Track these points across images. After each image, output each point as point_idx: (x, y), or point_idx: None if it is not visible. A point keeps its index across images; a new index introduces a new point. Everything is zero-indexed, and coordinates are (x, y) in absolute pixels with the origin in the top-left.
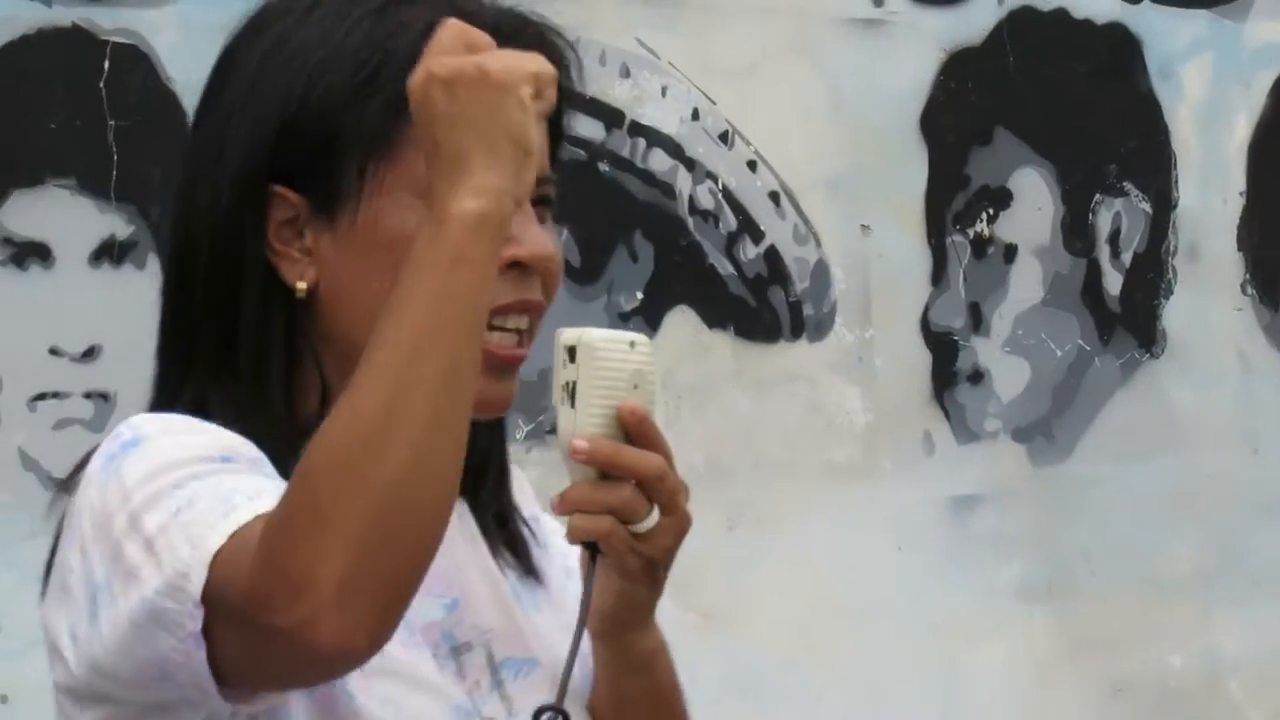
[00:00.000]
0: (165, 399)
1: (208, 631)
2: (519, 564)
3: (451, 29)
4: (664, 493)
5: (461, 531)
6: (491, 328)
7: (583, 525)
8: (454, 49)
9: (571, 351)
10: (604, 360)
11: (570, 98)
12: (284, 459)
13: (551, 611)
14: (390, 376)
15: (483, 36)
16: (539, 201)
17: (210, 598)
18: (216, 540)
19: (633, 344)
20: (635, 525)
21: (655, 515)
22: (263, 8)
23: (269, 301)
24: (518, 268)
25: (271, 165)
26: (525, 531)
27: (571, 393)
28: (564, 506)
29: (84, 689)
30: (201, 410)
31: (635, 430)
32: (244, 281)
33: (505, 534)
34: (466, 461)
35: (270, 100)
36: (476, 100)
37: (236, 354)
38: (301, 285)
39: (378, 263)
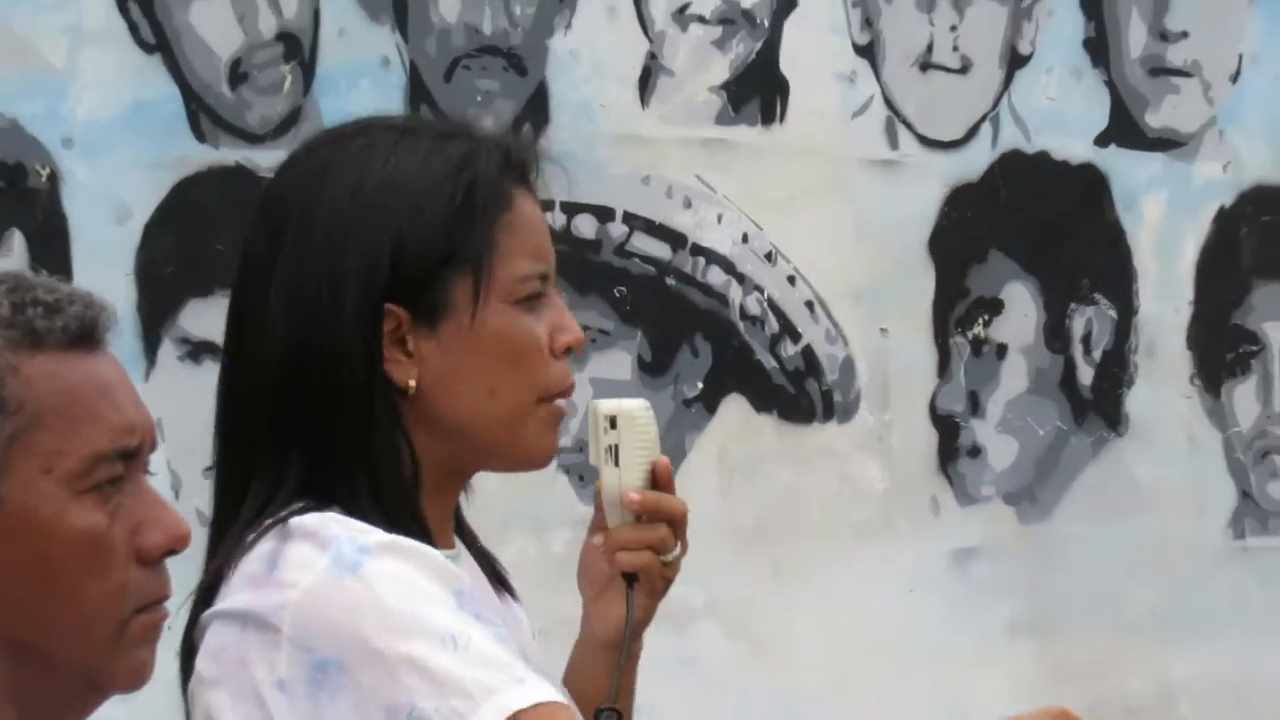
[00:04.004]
0: (271, 482)
1: None
2: (506, 591)
3: None
4: (685, 529)
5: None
6: (558, 397)
7: (628, 560)
8: None
9: (612, 420)
10: (641, 426)
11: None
12: (407, 523)
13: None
14: None
15: None
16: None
17: None
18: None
19: (648, 409)
20: (665, 556)
21: (679, 547)
22: (311, 151)
23: (385, 399)
24: (571, 352)
25: (386, 287)
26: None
27: (615, 454)
28: (611, 545)
29: None
30: (315, 491)
31: (666, 481)
32: (366, 385)
33: (492, 569)
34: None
35: (379, 232)
36: None
37: (359, 444)
38: (411, 384)
39: (485, 359)
